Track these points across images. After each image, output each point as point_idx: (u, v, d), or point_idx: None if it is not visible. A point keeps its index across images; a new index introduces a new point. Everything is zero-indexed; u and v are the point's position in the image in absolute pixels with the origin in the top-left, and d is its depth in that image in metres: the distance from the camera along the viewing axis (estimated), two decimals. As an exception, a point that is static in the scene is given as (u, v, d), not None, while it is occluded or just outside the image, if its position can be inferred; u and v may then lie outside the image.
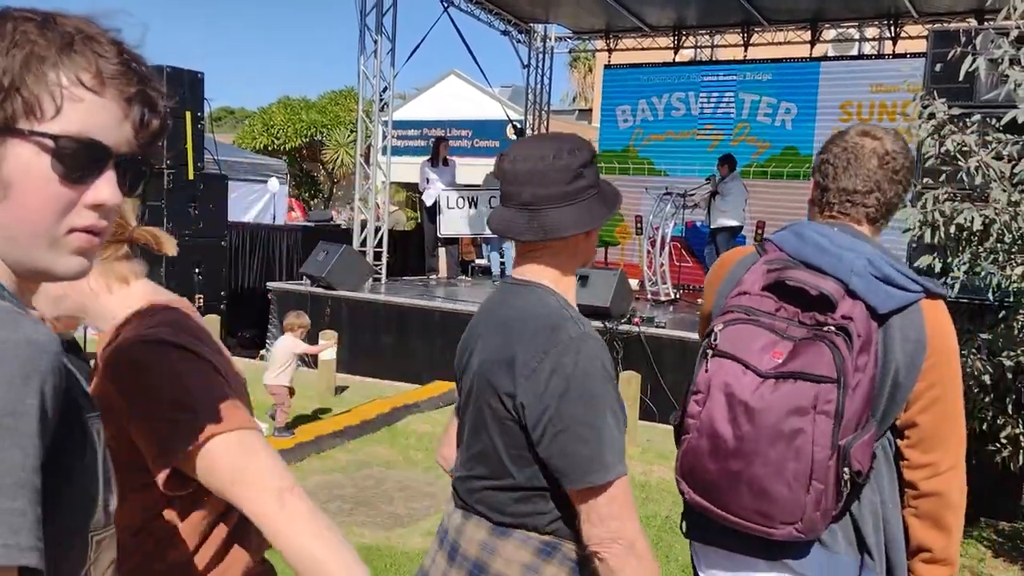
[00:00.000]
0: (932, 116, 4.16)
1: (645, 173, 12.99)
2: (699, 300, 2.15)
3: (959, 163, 4.07)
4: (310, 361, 7.80)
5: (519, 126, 14.19)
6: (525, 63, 14.13)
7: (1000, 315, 4.47)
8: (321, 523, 1.21)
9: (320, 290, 9.07)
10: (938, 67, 4.87)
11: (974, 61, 4.06)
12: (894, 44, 12.02)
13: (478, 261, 13.71)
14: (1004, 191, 3.93)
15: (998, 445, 4.53)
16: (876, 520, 1.75)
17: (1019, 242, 4.05)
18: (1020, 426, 4.47)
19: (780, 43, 12.93)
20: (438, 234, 11.38)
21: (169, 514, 1.30)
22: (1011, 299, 4.30)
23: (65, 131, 0.84)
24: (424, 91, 25.44)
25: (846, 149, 1.84)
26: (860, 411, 1.64)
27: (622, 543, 1.47)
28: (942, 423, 1.73)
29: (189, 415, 1.22)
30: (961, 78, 4.12)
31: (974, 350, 4.46)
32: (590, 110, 26.89)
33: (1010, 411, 4.46)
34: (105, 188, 0.88)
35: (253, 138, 25.68)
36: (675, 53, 13.53)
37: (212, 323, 8.20)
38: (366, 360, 8.67)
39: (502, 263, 12.48)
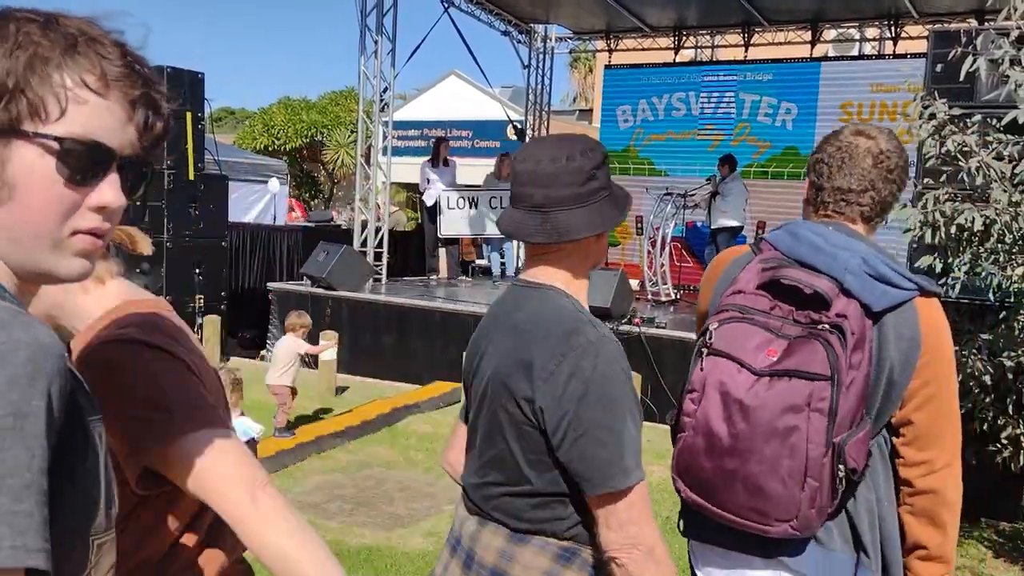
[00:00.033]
0: (933, 116, 4.15)
1: (646, 173, 12.98)
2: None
3: (960, 163, 4.07)
4: (311, 361, 7.80)
5: (519, 126, 14.19)
6: (525, 63, 14.13)
7: (1001, 315, 4.47)
8: (293, 521, 1.20)
9: (320, 290, 9.07)
10: (939, 67, 4.87)
11: (975, 61, 4.05)
12: (894, 44, 12.02)
13: (478, 261, 13.71)
14: (1005, 191, 3.93)
15: (999, 446, 4.53)
16: (872, 518, 1.76)
17: (1020, 242, 4.05)
18: (1021, 427, 4.46)
19: (780, 43, 12.93)
20: (438, 234, 11.39)
21: (143, 514, 1.29)
22: (1012, 299, 4.30)
23: (70, 133, 0.84)
24: (424, 91, 25.44)
25: (840, 148, 1.84)
26: (855, 409, 1.65)
27: (641, 549, 1.46)
28: (937, 420, 1.74)
29: (162, 414, 1.21)
30: (962, 78, 4.12)
31: (975, 350, 4.46)
32: (591, 110, 26.89)
33: (1011, 412, 4.46)
34: (109, 190, 0.88)
35: (253, 138, 25.68)
36: (675, 53, 13.53)
37: (212, 323, 8.22)
38: (366, 360, 8.68)
39: (502, 263, 12.47)
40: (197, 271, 8.67)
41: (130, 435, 1.22)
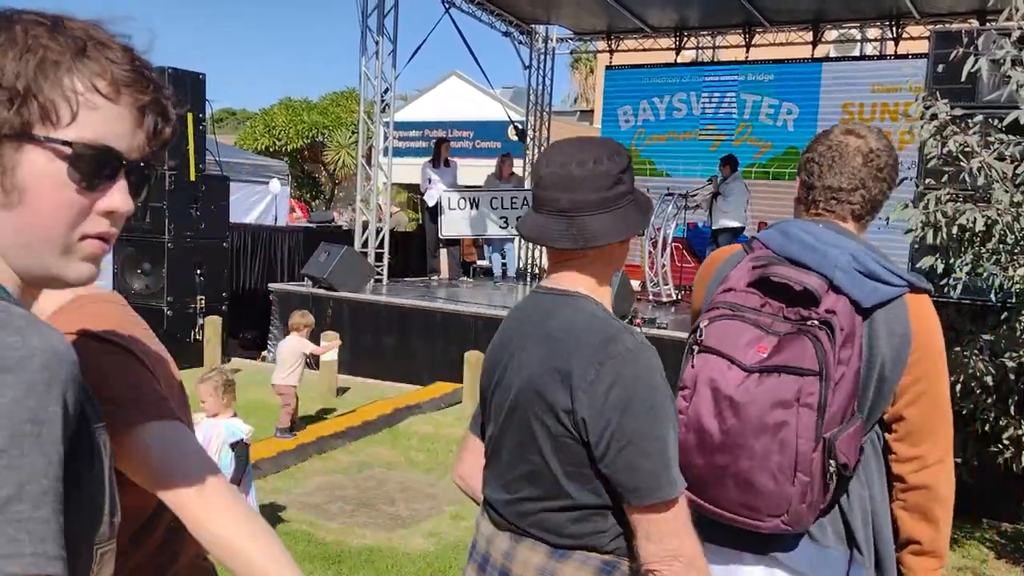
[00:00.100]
0: (934, 117, 4.15)
1: (647, 174, 12.98)
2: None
3: (961, 164, 4.06)
4: (312, 362, 7.80)
5: (520, 127, 14.19)
6: (526, 64, 14.13)
7: (1002, 316, 4.46)
8: (242, 512, 1.20)
9: (321, 291, 9.08)
10: (940, 68, 4.86)
11: (976, 62, 4.05)
12: (896, 45, 12.02)
13: (479, 262, 13.71)
14: (1006, 192, 3.92)
15: (1000, 446, 4.53)
16: (865, 515, 1.77)
17: (1021, 243, 4.05)
18: (1022, 427, 4.46)
19: (782, 44, 12.94)
20: (439, 235, 11.39)
21: None
22: (1013, 300, 4.29)
23: (81, 138, 0.84)
24: (425, 92, 25.44)
25: (831, 147, 1.86)
26: (845, 404, 1.67)
27: (682, 561, 1.43)
28: (929, 416, 1.76)
29: (111, 408, 1.22)
30: (963, 79, 4.11)
31: (976, 351, 4.45)
32: (592, 111, 26.88)
33: (1012, 412, 4.45)
34: (119, 196, 0.88)
35: (255, 139, 25.70)
36: (677, 54, 13.52)
37: (213, 324, 8.22)
38: (367, 361, 8.68)
39: (503, 264, 12.48)
40: (198, 272, 8.67)
41: None
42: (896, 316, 1.72)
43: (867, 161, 1.83)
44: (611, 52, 13.96)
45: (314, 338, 6.63)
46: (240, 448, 4.03)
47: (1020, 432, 4.46)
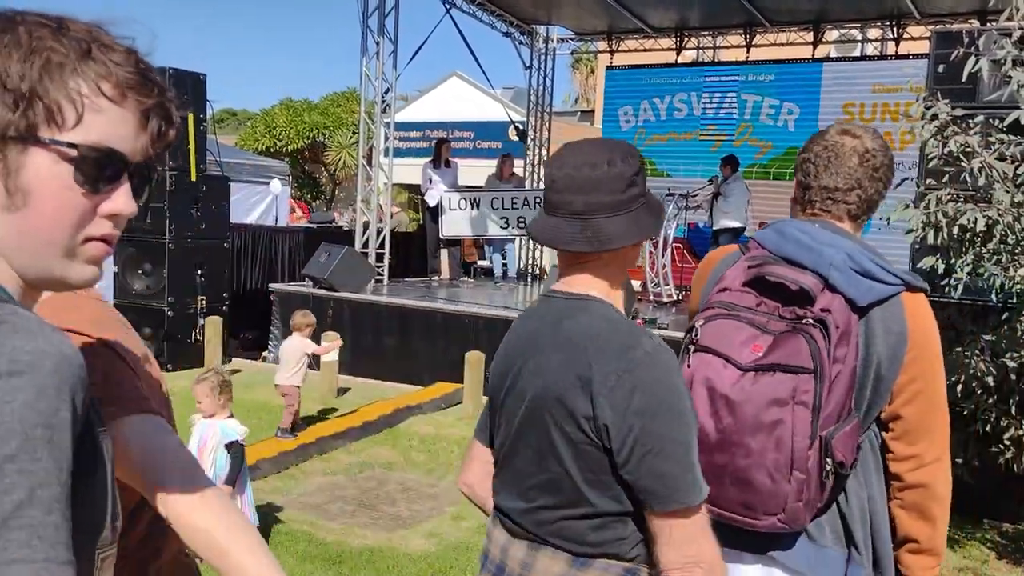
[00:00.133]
0: (935, 117, 4.15)
1: (648, 174, 12.89)
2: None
3: (962, 164, 4.06)
4: (312, 363, 7.79)
5: (521, 128, 14.19)
6: (527, 64, 14.13)
7: (1003, 316, 4.46)
8: (219, 505, 1.20)
9: (322, 291, 9.08)
10: (941, 68, 4.86)
11: (977, 62, 4.05)
12: (896, 45, 12.01)
13: (480, 263, 13.72)
14: (1007, 192, 3.92)
15: (1002, 447, 4.52)
16: (863, 514, 1.78)
17: (1022, 243, 4.04)
18: (1023, 428, 4.45)
19: (782, 44, 12.94)
20: (440, 235, 11.39)
21: None
22: (1014, 300, 4.29)
23: (86, 140, 0.84)
24: (426, 92, 25.45)
25: (827, 148, 1.87)
26: (841, 402, 1.67)
27: (703, 567, 1.42)
28: (926, 415, 1.77)
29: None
30: (964, 79, 4.11)
31: (977, 351, 4.45)
32: (592, 111, 26.88)
33: (1013, 413, 4.45)
34: (123, 198, 0.88)
35: (255, 140, 25.71)
36: (677, 54, 13.52)
37: (214, 325, 8.22)
38: (368, 361, 8.67)
39: (504, 264, 12.48)
40: (199, 272, 8.67)
41: None
42: (892, 315, 1.73)
43: (863, 161, 1.84)
44: (612, 52, 13.96)
45: (315, 338, 6.63)
46: (235, 449, 4.03)
47: (1021, 432, 4.46)
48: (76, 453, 0.79)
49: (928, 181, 4.80)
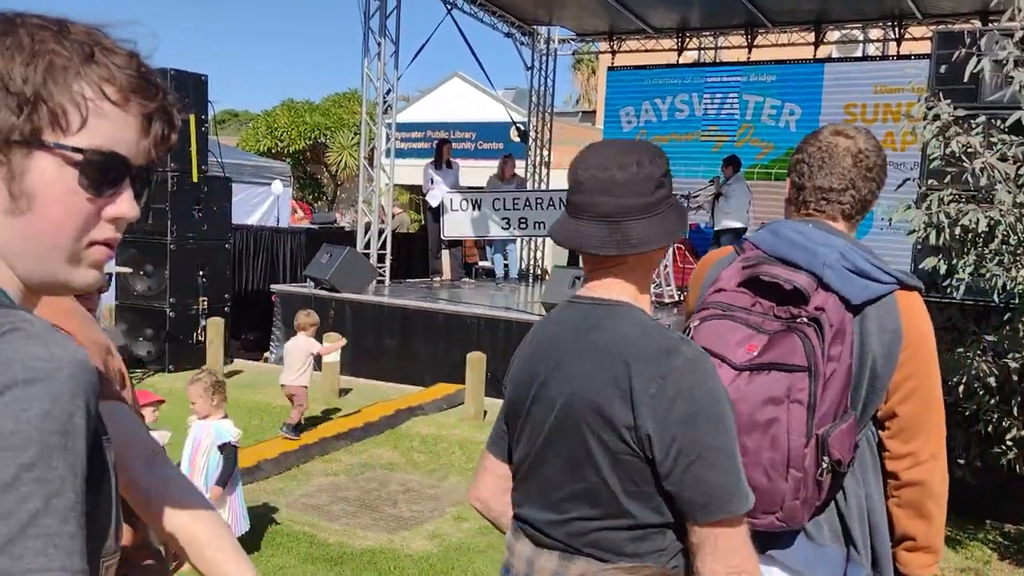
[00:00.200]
0: (937, 117, 4.15)
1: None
2: None
3: (964, 164, 4.06)
4: (314, 363, 7.79)
5: (523, 128, 14.19)
6: (528, 65, 14.13)
7: (1005, 317, 4.46)
8: (185, 487, 1.24)
9: (324, 292, 9.08)
10: (943, 68, 4.86)
11: (979, 62, 4.04)
12: (898, 45, 12.01)
13: (482, 263, 13.71)
14: (1009, 192, 3.92)
15: (1004, 447, 4.52)
16: (861, 513, 1.79)
17: (1024, 244, 4.04)
18: (1026, 428, 4.45)
19: (784, 44, 12.93)
20: (442, 236, 11.39)
21: None
22: (1016, 301, 4.28)
23: (91, 144, 0.83)
24: (428, 93, 25.44)
25: (820, 148, 1.87)
26: (837, 401, 1.68)
27: None
28: (921, 412, 1.78)
29: None
30: (966, 79, 4.11)
31: (979, 352, 4.45)
32: (594, 112, 26.87)
33: (1016, 413, 4.44)
34: (126, 202, 0.88)
35: (257, 141, 25.70)
36: (679, 55, 13.52)
37: (216, 325, 8.22)
38: (369, 362, 8.67)
39: (506, 265, 12.49)
40: (200, 273, 8.67)
41: None
42: (887, 313, 1.74)
43: (857, 161, 1.85)
44: (613, 53, 13.96)
45: (317, 339, 6.64)
46: (228, 450, 4.04)
47: (1023, 433, 4.45)
48: (88, 461, 0.79)
49: (930, 182, 4.79)
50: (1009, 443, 4.49)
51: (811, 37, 12.53)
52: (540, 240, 13.74)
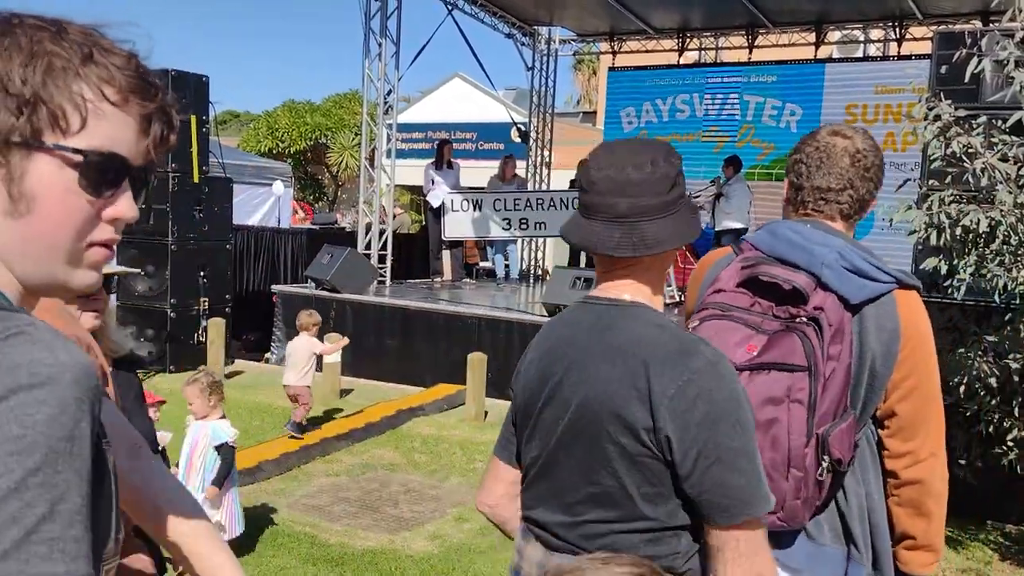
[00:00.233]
0: (938, 118, 4.14)
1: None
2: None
3: (965, 165, 4.06)
4: (316, 363, 7.80)
5: (523, 129, 14.20)
6: (529, 66, 14.14)
7: (1007, 317, 4.45)
8: (172, 481, 1.26)
9: (325, 293, 9.08)
10: (943, 69, 4.86)
11: (979, 63, 4.04)
12: (899, 46, 12.01)
13: (482, 264, 13.72)
14: (1010, 193, 3.92)
15: (1005, 448, 4.51)
16: (862, 512, 1.79)
17: (1025, 244, 4.04)
18: (1027, 429, 4.44)
19: (785, 45, 12.94)
20: (442, 237, 11.39)
21: None
22: (1017, 301, 4.28)
23: (91, 146, 0.83)
24: (428, 94, 25.45)
25: (818, 148, 1.88)
26: (836, 400, 1.69)
27: None
28: (920, 411, 1.78)
29: None
30: (967, 80, 4.11)
31: (980, 352, 4.44)
32: (594, 112, 26.86)
33: (1017, 414, 4.44)
34: (125, 203, 0.88)
35: (258, 141, 25.71)
36: (679, 55, 13.52)
37: (217, 326, 8.22)
38: (370, 363, 8.67)
39: (506, 266, 12.48)
40: (201, 274, 8.67)
41: None
42: (885, 312, 1.74)
43: (855, 161, 1.85)
44: (614, 54, 13.96)
45: (318, 339, 6.64)
46: (225, 451, 4.05)
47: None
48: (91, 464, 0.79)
49: (931, 182, 4.79)
50: (1010, 444, 4.49)
51: (812, 37, 12.53)
52: (541, 241, 13.74)
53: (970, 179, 4.10)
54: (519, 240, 12.41)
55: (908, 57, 11.57)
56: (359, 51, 10.62)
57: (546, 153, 14.47)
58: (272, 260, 11.23)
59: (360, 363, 8.59)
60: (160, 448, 3.18)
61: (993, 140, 4.09)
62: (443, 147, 11.63)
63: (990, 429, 4.49)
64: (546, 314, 8.07)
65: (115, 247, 0.91)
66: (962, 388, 4.32)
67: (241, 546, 4.30)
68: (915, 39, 11.66)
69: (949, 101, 4.16)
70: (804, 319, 1.70)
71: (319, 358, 7.45)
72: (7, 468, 0.69)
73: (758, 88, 12.60)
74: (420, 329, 8.67)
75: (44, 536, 0.70)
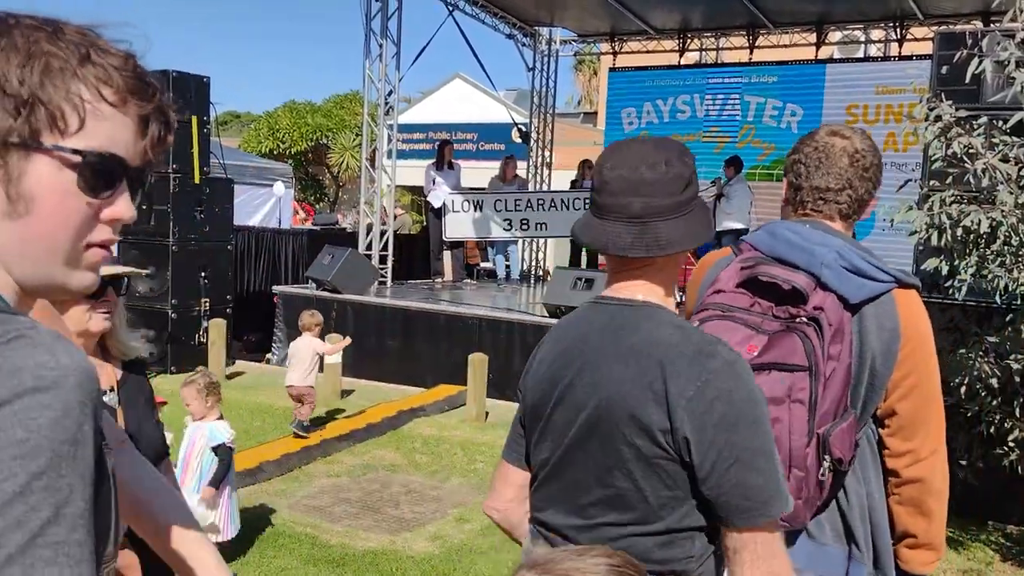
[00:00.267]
0: (938, 118, 4.14)
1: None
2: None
3: (966, 165, 4.06)
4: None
5: (524, 129, 14.20)
6: (530, 66, 14.14)
7: (1007, 318, 4.45)
8: (155, 475, 1.28)
9: (326, 294, 9.08)
10: (944, 69, 4.86)
11: (980, 63, 4.04)
12: (900, 46, 12.00)
13: (483, 264, 13.72)
14: (1011, 193, 3.91)
15: (1006, 449, 4.51)
16: (863, 511, 1.79)
17: (1026, 244, 4.04)
18: (1028, 429, 4.44)
19: (786, 45, 12.94)
20: (443, 237, 11.39)
21: None
22: (1019, 302, 4.28)
23: (90, 147, 0.83)
24: (429, 94, 25.47)
25: (817, 149, 1.88)
26: (837, 399, 1.69)
27: None
28: (921, 410, 1.78)
29: None
30: (967, 80, 4.11)
31: (981, 353, 4.44)
32: (595, 113, 26.87)
33: (1018, 414, 4.44)
34: (123, 204, 0.88)
35: (259, 142, 25.73)
36: (680, 56, 13.52)
37: (218, 327, 8.23)
38: (371, 363, 8.68)
39: (507, 266, 12.49)
40: (202, 274, 8.68)
41: None
42: (885, 311, 1.75)
43: (853, 161, 1.85)
44: (614, 54, 13.96)
45: (320, 339, 6.65)
46: (222, 452, 4.05)
47: (1025, 434, 4.45)
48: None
49: (931, 183, 4.79)
50: (1011, 444, 4.48)
51: (812, 38, 12.53)
52: (542, 241, 13.74)
53: (971, 180, 4.10)
54: (520, 241, 12.41)
55: (909, 57, 11.57)
56: (360, 52, 10.64)
57: (547, 154, 14.47)
58: (273, 261, 11.23)
59: (361, 364, 8.59)
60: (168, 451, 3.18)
61: (994, 141, 4.08)
62: (444, 148, 11.64)
63: (991, 430, 4.48)
64: (547, 315, 8.07)
65: (114, 248, 0.91)
66: (963, 389, 4.31)
67: (242, 547, 4.30)
68: (916, 39, 11.66)
69: (950, 101, 4.16)
70: (804, 319, 1.70)
71: (321, 358, 7.46)
72: (11, 472, 0.69)
73: (759, 88, 12.60)
74: (421, 330, 8.67)
75: (49, 540, 0.71)
